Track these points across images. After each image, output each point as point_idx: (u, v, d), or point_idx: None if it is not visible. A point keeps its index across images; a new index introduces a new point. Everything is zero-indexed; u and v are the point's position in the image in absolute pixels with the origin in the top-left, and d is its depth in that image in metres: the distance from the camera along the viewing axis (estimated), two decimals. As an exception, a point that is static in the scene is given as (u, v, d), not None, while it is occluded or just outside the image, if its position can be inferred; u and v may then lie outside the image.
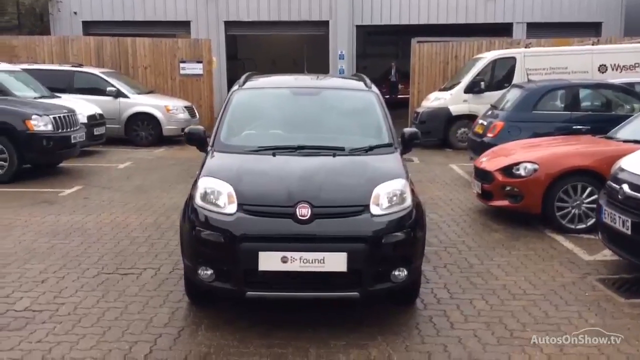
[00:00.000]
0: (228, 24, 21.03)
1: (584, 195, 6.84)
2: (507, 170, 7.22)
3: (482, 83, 14.02)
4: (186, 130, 5.23)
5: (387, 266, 4.20)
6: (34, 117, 9.62)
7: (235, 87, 5.60)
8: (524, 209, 7.14)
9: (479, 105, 13.36)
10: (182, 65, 16.62)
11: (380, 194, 4.30)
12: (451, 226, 7.30)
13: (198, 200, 4.32)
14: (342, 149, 4.84)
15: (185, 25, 20.93)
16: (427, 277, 5.46)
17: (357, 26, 22.89)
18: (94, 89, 14.45)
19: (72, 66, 14.92)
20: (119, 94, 14.42)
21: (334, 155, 4.72)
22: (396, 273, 4.22)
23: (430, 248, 6.34)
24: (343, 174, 4.52)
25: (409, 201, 4.38)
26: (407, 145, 5.33)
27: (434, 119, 14.36)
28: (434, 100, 14.78)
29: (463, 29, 21.67)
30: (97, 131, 12.84)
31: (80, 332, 4.22)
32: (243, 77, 5.78)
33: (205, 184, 4.37)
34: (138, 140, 14.42)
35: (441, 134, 14.43)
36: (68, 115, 10.40)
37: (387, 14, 22.48)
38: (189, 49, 16.68)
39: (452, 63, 16.54)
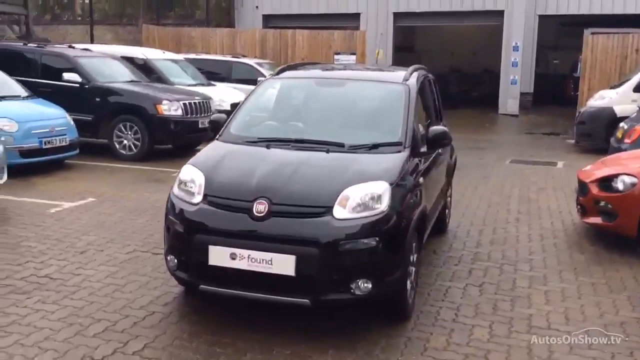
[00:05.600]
0: (397, 16, 20.83)
1: (694, 220, 5.59)
2: (604, 182, 6.16)
3: (657, 81, 12.10)
4: (211, 117, 5.28)
5: (345, 275, 3.83)
6: (164, 102, 10.45)
7: (268, 77, 5.52)
8: (618, 230, 6.04)
9: (650, 106, 11.56)
10: (336, 56, 16.83)
11: (350, 195, 3.93)
12: (533, 241, 6.44)
13: (174, 188, 4.34)
14: (341, 145, 4.51)
15: (355, 17, 21.16)
16: (448, 294, 4.90)
17: (541, 16, 21.22)
18: (249, 78, 15.23)
19: (233, 57, 15.90)
20: (269, 84, 15.01)
21: (328, 152, 4.42)
22: (359, 284, 3.84)
23: (484, 263, 5.69)
24: (320, 171, 4.20)
25: (384, 206, 3.94)
26: (431, 145, 4.83)
27: (595, 119, 12.75)
28: (599, 98, 13.12)
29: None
30: (240, 118, 13.50)
31: (65, 303, 4.49)
32: (282, 67, 5.67)
33: (183, 172, 4.37)
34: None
35: (603, 137, 12.75)
36: (200, 102, 11.10)
37: (575, 2, 20.47)
38: (344, 40, 16.85)
39: (632, 57, 14.52)
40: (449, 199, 6.67)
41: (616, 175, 6.06)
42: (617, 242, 6.17)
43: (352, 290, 3.84)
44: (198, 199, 4.12)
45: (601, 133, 12.71)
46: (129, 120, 10.45)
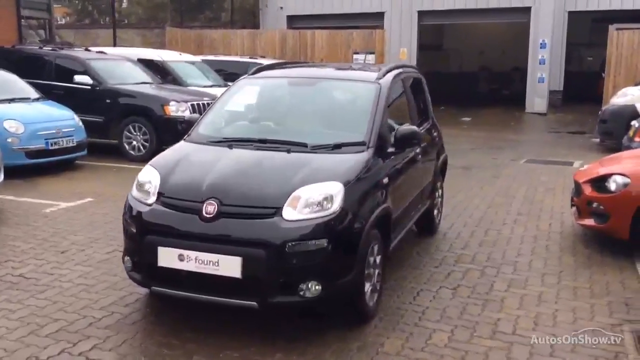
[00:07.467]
0: (422, 14, 20.55)
1: (689, 222, 5.31)
2: (597, 183, 5.93)
3: (682, 77, 11.62)
4: (185, 117, 5.27)
5: (293, 278, 3.76)
6: (171, 102, 10.52)
7: (244, 76, 5.48)
8: (610, 232, 5.81)
9: (674, 103, 11.12)
10: (355, 56, 16.71)
11: (301, 196, 3.86)
12: (525, 243, 6.24)
13: (133, 189, 4.34)
14: (304, 145, 4.43)
15: (379, 16, 20.96)
16: (418, 297, 4.78)
17: (571, 12, 20.67)
18: (266, 78, 15.24)
19: (250, 58, 15.93)
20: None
21: (289, 152, 4.35)
22: (309, 286, 3.76)
23: (465, 265, 5.54)
24: (275, 172, 4.13)
25: (336, 207, 3.85)
26: (398, 145, 4.71)
27: (617, 118, 12.33)
28: (621, 96, 12.69)
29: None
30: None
31: (30, 302, 4.52)
32: (258, 67, 5.63)
33: (142, 173, 4.37)
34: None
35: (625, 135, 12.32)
36: (209, 103, 11.11)
37: (607, -3, 19.87)
38: (363, 40, 16.71)
39: (659, 53, 14.00)
40: (438, 199, 6.51)
41: (609, 175, 5.82)
42: (613, 245, 5.92)
43: (301, 293, 3.77)
44: (152, 199, 4.11)
45: (623, 131, 12.26)
46: (138, 121, 10.56)
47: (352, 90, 5.16)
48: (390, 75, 5.18)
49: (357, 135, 4.53)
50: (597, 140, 14.04)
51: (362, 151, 4.39)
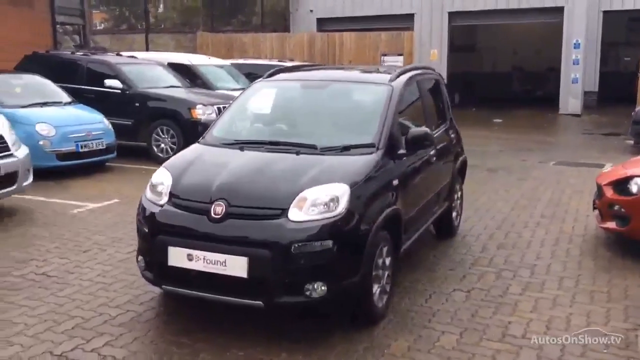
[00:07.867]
0: (452, 15, 20.40)
1: None
2: (619, 185, 5.82)
3: None
4: (202, 120, 5.37)
5: (299, 278, 3.80)
6: (198, 106, 10.66)
7: (259, 79, 5.55)
8: (631, 235, 5.69)
9: None
10: (383, 58, 16.67)
11: (307, 197, 3.90)
12: (545, 246, 6.15)
13: (147, 190, 4.44)
14: (314, 146, 4.47)
15: (409, 18, 20.88)
16: (430, 299, 4.76)
17: (606, 12, 20.27)
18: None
19: (279, 61, 16.04)
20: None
21: (298, 154, 4.39)
22: (314, 287, 3.79)
23: (482, 268, 5.50)
24: (283, 174, 4.18)
25: (341, 208, 3.87)
26: (410, 147, 4.71)
27: (651, 119, 12.06)
28: (655, 96, 12.38)
29: None
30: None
31: (50, 300, 4.66)
32: (274, 70, 5.69)
33: (155, 175, 4.47)
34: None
35: (659, 137, 12.06)
36: (236, 106, 11.26)
37: (643, -4, 19.42)
38: (391, 41, 16.67)
39: (697, 52, 13.59)
40: (457, 201, 6.47)
41: (631, 178, 5.71)
42: (636, 249, 5.78)
43: (307, 293, 3.80)
44: (164, 200, 4.20)
45: (657, 133, 12.03)
46: (166, 124, 10.74)
47: (364, 93, 5.18)
48: (403, 77, 5.18)
49: (367, 137, 4.54)
50: (632, 142, 13.73)
51: (371, 153, 4.40)
